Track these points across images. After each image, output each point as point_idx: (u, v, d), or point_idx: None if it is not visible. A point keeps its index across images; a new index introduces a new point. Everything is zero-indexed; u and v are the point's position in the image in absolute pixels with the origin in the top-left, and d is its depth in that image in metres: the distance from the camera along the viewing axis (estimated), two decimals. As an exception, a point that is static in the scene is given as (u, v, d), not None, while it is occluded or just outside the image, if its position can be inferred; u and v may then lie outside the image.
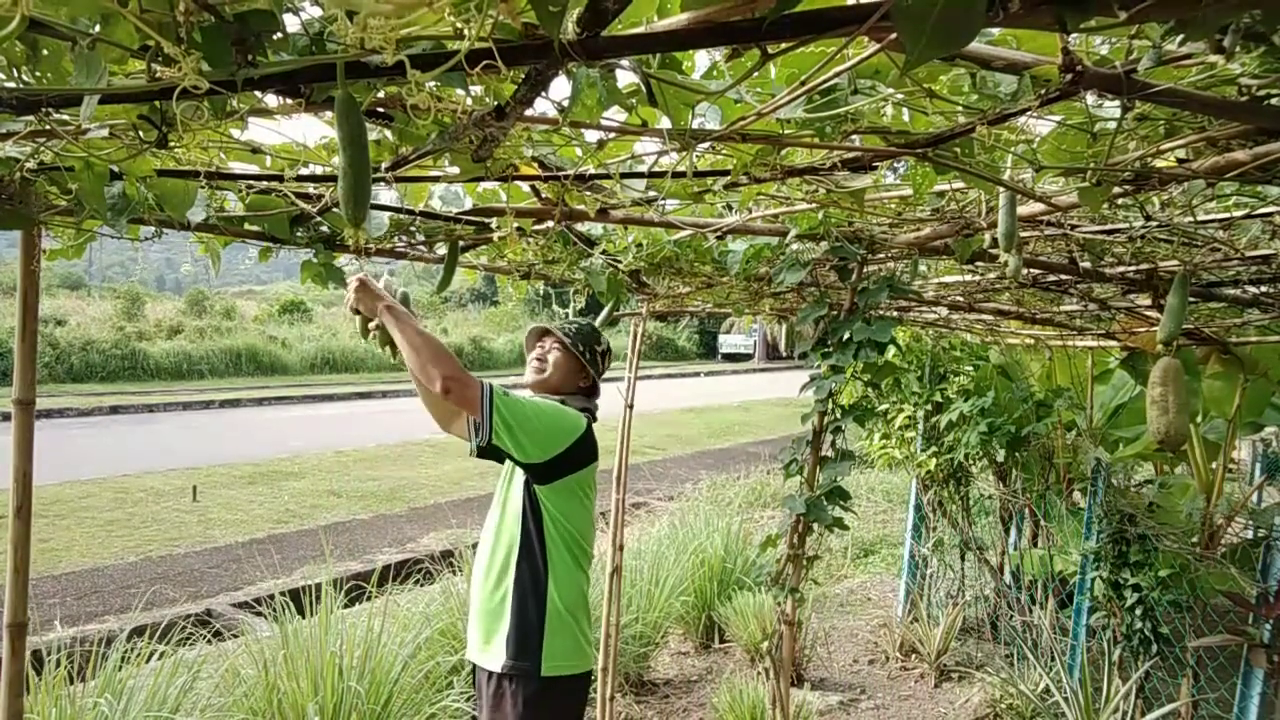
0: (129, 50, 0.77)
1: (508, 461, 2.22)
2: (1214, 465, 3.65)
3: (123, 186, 1.35)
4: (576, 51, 0.72)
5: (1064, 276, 2.26)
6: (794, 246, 2.17)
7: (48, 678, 2.85)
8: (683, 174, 1.38)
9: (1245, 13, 0.76)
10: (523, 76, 0.87)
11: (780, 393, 19.00)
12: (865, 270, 2.24)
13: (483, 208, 1.82)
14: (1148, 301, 2.54)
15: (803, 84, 1.03)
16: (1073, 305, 2.99)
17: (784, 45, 0.91)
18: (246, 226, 1.78)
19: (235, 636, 3.77)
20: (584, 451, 2.18)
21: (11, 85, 0.89)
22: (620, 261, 2.39)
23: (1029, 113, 1.00)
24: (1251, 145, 1.14)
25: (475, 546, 2.36)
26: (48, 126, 1.02)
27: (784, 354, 31.88)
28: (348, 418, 14.61)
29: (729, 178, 1.43)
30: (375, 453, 11.09)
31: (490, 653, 2.12)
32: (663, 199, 1.65)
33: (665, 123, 1.10)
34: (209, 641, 3.74)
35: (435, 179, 1.54)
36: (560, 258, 2.40)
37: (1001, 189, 1.40)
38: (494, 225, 1.92)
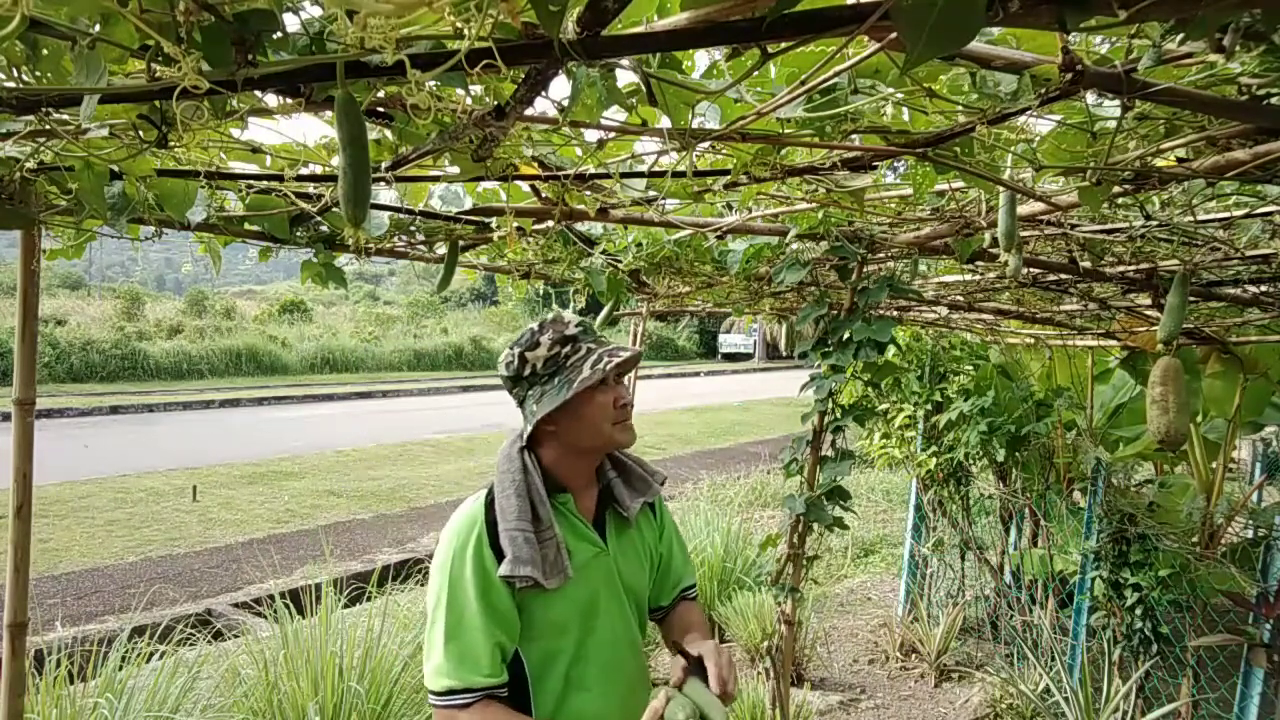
0: (129, 50, 0.77)
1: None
2: (1214, 465, 3.65)
3: (123, 186, 1.35)
4: (576, 51, 0.72)
5: (1064, 276, 2.25)
6: (794, 246, 2.17)
7: (48, 677, 2.86)
8: (683, 173, 1.38)
9: (1245, 12, 0.76)
10: (523, 76, 0.87)
11: (780, 392, 19.01)
12: (865, 270, 2.24)
13: (483, 207, 1.82)
14: (1148, 301, 2.54)
15: (803, 83, 1.03)
16: (1073, 305, 2.99)
17: (784, 45, 0.91)
18: (246, 226, 1.78)
19: (235, 636, 3.78)
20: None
21: (11, 85, 0.89)
22: (620, 261, 2.39)
23: (1029, 112, 1.00)
24: (1251, 144, 1.14)
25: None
26: (48, 126, 1.02)
27: (784, 354, 31.89)
28: (348, 417, 14.60)
29: (729, 177, 1.43)
30: (375, 453, 11.09)
31: None
32: (663, 198, 1.65)
33: (665, 122, 1.10)
34: (209, 641, 3.74)
35: (435, 179, 1.54)
36: (560, 257, 2.40)
37: (1001, 188, 1.40)
38: (494, 225, 1.92)
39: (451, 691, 1.36)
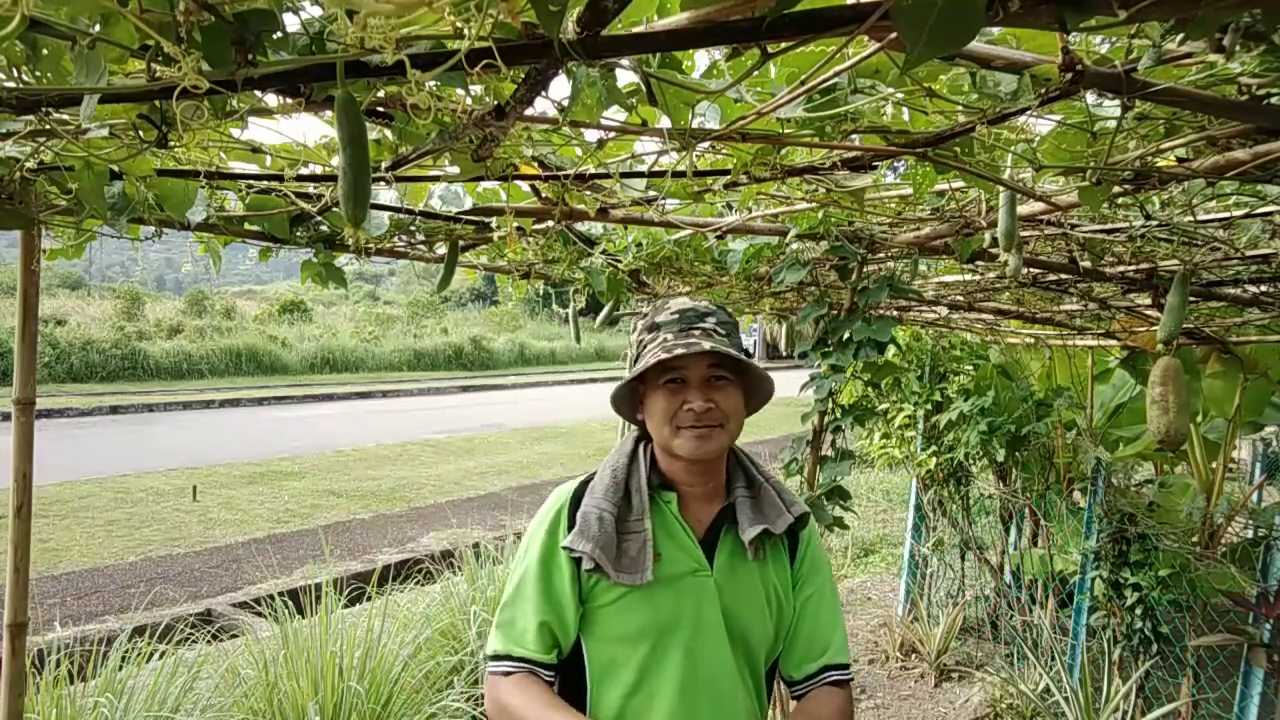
0: (129, 50, 0.77)
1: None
2: (1214, 465, 3.65)
3: (123, 186, 1.35)
4: (576, 51, 0.72)
5: (1064, 276, 2.25)
6: (794, 246, 2.17)
7: (48, 677, 2.86)
8: (683, 173, 1.38)
9: (1245, 12, 0.76)
10: (523, 76, 0.87)
11: (780, 392, 18.97)
12: (865, 270, 2.24)
13: (483, 207, 1.82)
14: (1148, 301, 2.54)
15: (803, 83, 1.03)
16: (1073, 305, 2.99)
17: (784, 44, 0.91)
18: (246, 226, 1.78)
19: (235, 636, 3.78)
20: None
21: (11, 85, 0.89)
22: (620, 261, 2.39)
23: (1029, 112, 1.00)
24: (1251, 144, 1.14)
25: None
26: (48, 126, 1.02)
27: (784, 353, 31.88)
28: (348, 417, 14.60)
29: (729, 177, 1.43)
30: (375, 453, 11.09)
31: None
32: (663, 198, 1.65)
33: (665, 122, 1.10)
34: (209, 641, 3.74)
35: (435, 178, 1.54)
36: (560, 257, 2.40)
37: (1001, 188, 1.40)
38: (494, 225, 1.92)
39: (496, 656, 1.31)
